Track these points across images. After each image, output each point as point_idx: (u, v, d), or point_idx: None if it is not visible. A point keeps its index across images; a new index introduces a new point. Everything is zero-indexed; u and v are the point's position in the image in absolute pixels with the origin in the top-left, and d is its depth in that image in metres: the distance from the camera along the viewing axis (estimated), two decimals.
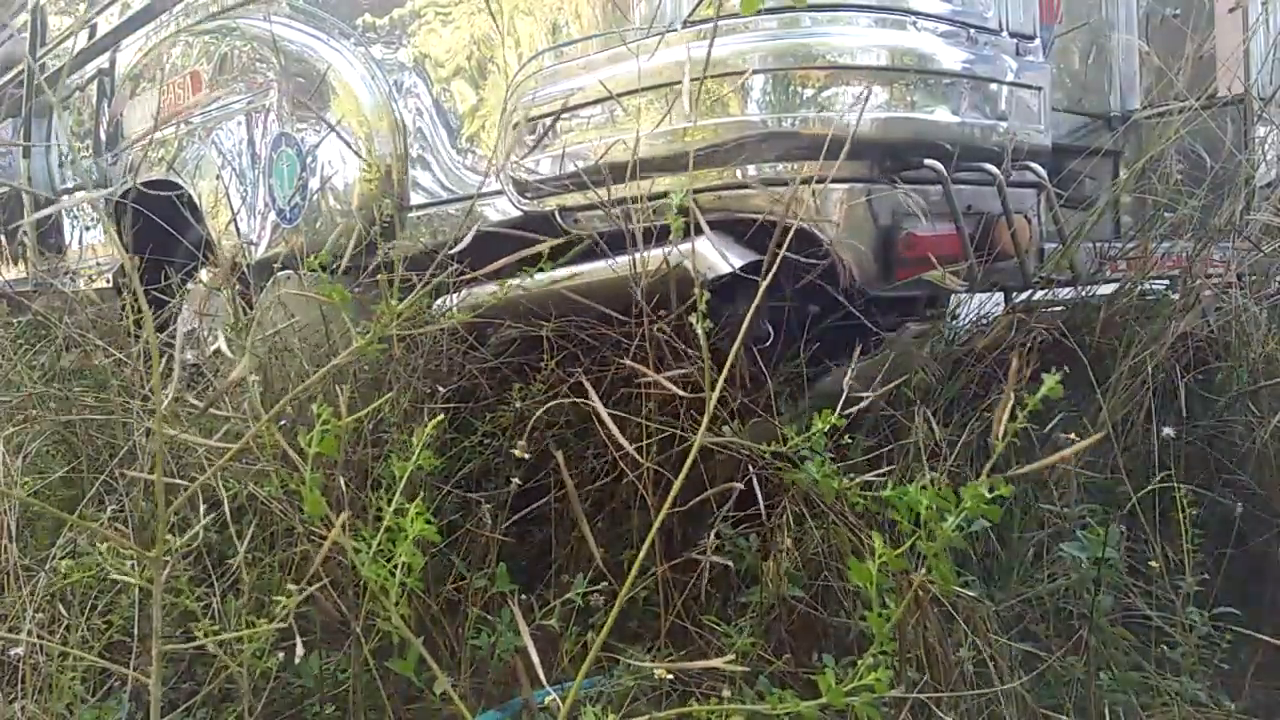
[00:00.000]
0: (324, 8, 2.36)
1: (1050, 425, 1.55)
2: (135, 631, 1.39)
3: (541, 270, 1.38)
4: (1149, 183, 1.98)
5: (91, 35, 3.44)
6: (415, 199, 2.12)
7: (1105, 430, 1.61)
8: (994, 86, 1.72)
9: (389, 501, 1.03)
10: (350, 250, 1.33)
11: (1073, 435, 1.58)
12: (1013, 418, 0.91)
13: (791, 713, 0.94)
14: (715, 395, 1.01)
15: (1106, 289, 1.93)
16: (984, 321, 1.88)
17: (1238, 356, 1.84)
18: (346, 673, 1.42)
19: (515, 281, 1.57)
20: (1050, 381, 0.90)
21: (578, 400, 1.58)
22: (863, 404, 1.32)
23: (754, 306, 1.10)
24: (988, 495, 0.92)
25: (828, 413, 1.18)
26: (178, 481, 1.34)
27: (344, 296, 1.14)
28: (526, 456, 1.53)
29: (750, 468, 1.52)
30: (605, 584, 1.50)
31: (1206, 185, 1.94)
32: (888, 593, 1.02)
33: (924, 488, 0.96)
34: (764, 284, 1.12)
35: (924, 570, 1.00)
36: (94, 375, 2.00)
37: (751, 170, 1.60)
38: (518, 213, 1.87)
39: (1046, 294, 1.86)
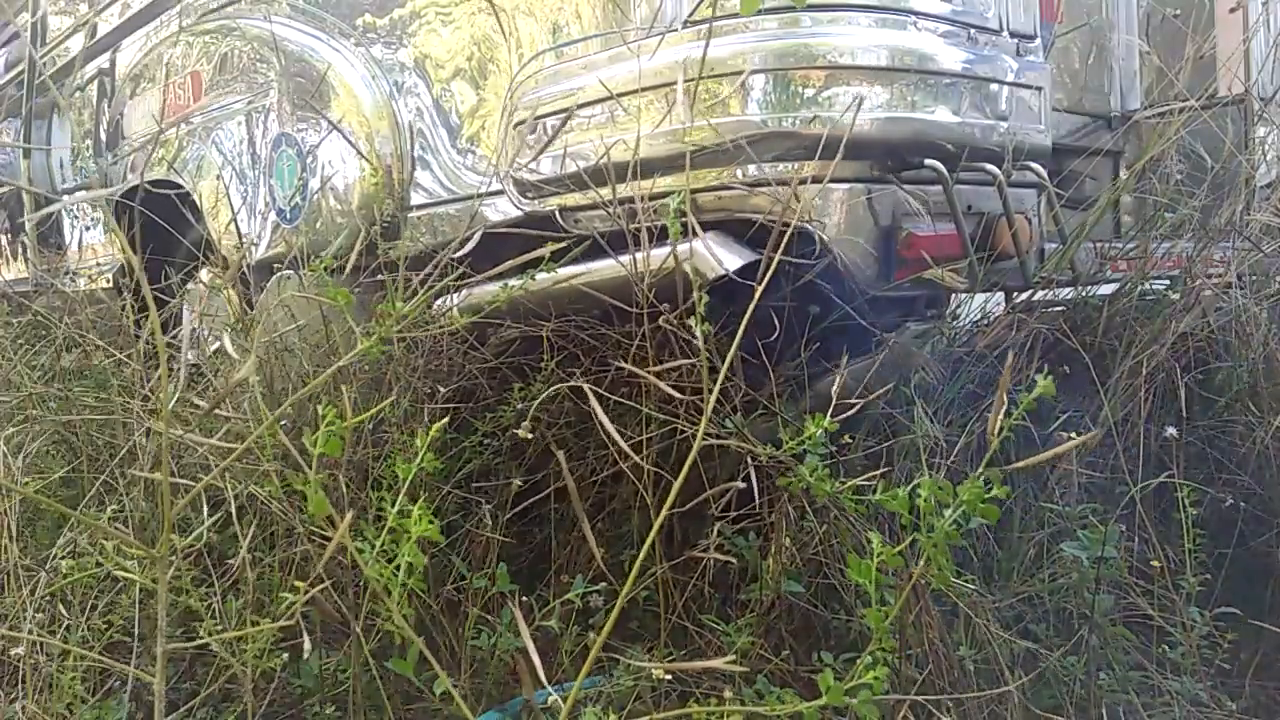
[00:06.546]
0: (324, 8, 2.36)
1: (1053, 426, 1.55)
2: (136, 631, 1.39)
3: (545, 270, 1.38)
4: (1149, 183, 1.98)
5: (92, 35, 3.44)
6: (416, 199, 2.12)
7: (1105, 430, 1.61)
8: (994, 86, 1.72)
9: (391, 502, 1.03)
10: (353, 253, 1.33)
11: (1071, 435, 1.58)
12: (1008, 415, 0.92)
13: (792, 713, 0.94)
14: (714, 396, 1.01)
15: (1107, 289, 1.93)
16: (985, 321, 1.88)
17: (1238, 356, 1.84)
18: (347, 673, 1.42)
19: (518, 281, 1.57)
20: (1043, 383, 0.91)
21: (579, 401, 1.58)
22: (861, 406, 1.31)
23: (751, 307, 1.10)
24: (984, 492, 0.92)
25: (820, 417, 1.18)
26: (181, 481, 1.34)
27: (345, 298, 1.14)
28: (530, 436, 1.53)
29: (750, 463, 1.52)
30: (605, 584, 1.50)
31: (1206, 185, 1.94)
32: (887, 589, 1.02)
33: (920, 483, 0.96)
34: (760, 286, 1.12)
35: (922, 563, 1.00)
36: (94, 375, 2.00)
37: (752, 170, 1.60)
38: (518, 212, 1.87)
39: (1047, 294, 1.86)
